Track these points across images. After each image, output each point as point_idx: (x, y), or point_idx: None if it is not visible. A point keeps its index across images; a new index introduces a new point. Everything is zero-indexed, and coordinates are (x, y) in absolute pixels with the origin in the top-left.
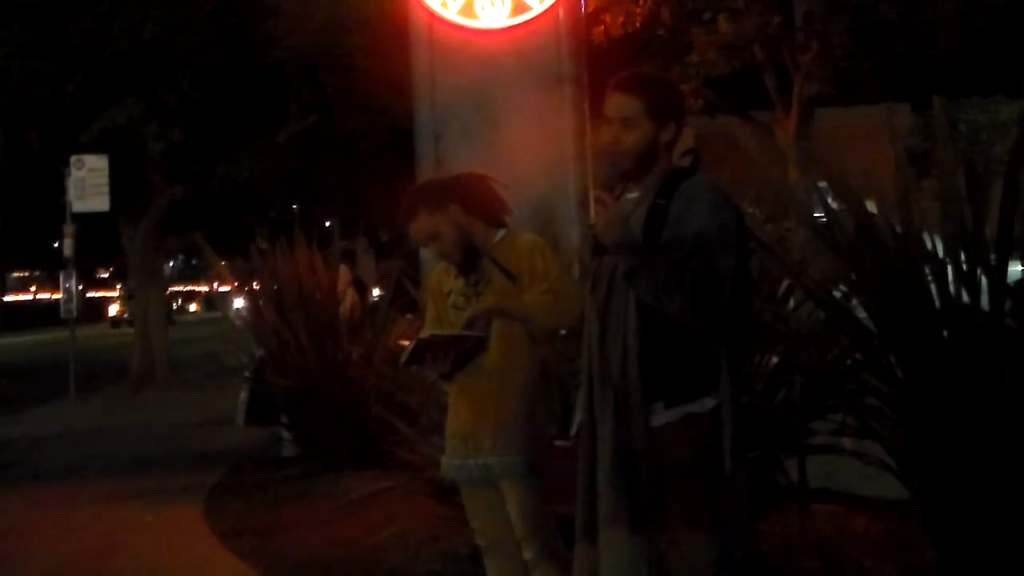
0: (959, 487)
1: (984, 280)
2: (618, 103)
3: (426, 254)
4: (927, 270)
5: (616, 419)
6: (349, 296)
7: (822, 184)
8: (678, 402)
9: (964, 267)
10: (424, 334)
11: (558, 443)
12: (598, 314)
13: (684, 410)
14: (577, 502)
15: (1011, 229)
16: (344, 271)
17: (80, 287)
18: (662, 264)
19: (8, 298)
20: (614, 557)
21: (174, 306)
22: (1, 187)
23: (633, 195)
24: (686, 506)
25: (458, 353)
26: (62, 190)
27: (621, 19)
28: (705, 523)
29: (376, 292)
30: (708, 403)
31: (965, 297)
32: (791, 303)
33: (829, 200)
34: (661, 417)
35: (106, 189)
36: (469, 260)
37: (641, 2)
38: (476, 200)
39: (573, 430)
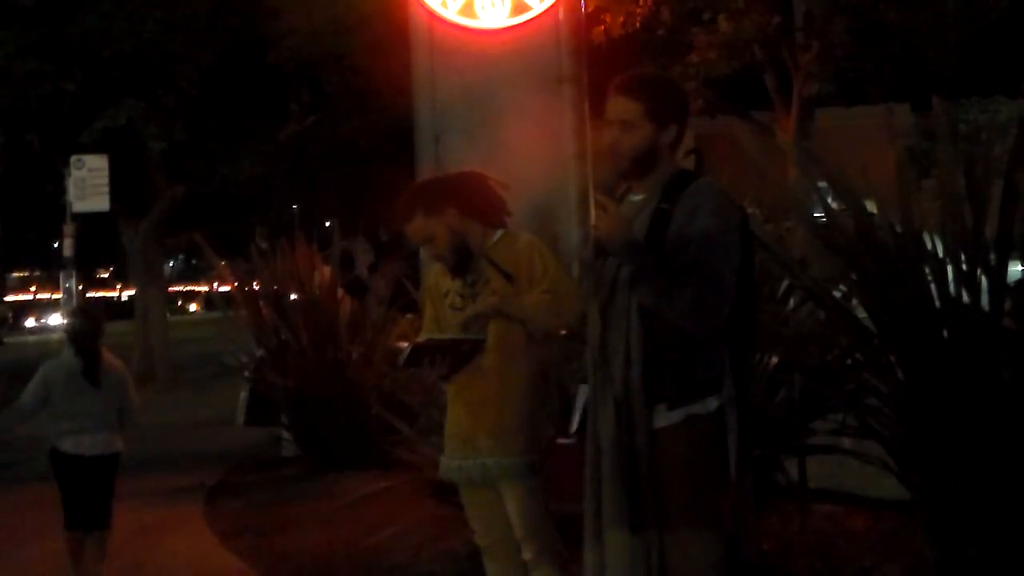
0: (959, 487)
1: (984, 280)
2: (617, 105)
3: (425, 254)
4: (927, 270)
5: (617, 421)
6: (346, 302)
7: (822, 184)
8: (681, 403)
9: (964, 267)
10: (421, 338)
11: (561, 441)
12: (600, 316)
13: (687, 411)
14: (585, 504)
15: (1011, 229)
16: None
17: (80, 287)
18: (663, 270)
19: (8, 298)
20: (618, 558)
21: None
22: (1, 187)
23: (637, 197)
24: (690, 507)
25: (455, 356)
26: (62, 190)
27: (621, 19)
28: (709, 523)
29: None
30: (712, 404)
31: (965, 297)
32: (791, 303)
33: (829, 200)
34: (664, 419)
35: (106, 189)
36: (462, 263)
37: (641, 2)
38: (474, 202)
39: (574, 427)
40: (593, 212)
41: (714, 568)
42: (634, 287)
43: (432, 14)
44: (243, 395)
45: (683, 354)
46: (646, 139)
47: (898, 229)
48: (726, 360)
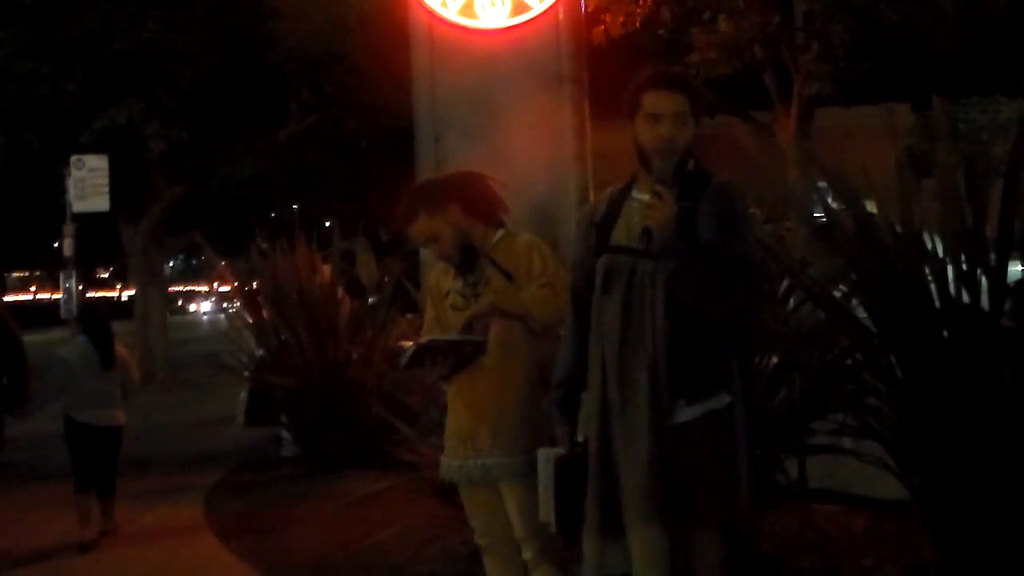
0: (959, 487)
1: (984, 280)
2: (672, 99)
3: (425, 254)
4: (927, 270)
5: (650, 418)
6: (345, 301)
7: (822, 184)
8: (700, 398)
9: (964, 267)
10: (423, 339)
11: (541, 451)
12: (621, 314)
13: (705, 406)
14: (588, 501)
15: (1011, 229)
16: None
17: (80, 287)
18: (712, 269)
19: (8, 298)
20: (651, 555)
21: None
22: (1, 187)
23: (644, 196)
24: (705, 503)
25: (457, 356)
26: (62, 190)
27: (621, 19)
28: (721, 520)
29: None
30: (725, 399)
31: (965, 297)
32: (791, 303)
33: (829, 200)
34: (684, 414)
35: (106, 189)
36: (468, 261)
37: (641, 2)
38: (475, 201)
39: (580, 436)
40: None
41: (725, 564)
42: (677, 283)
43: (432, 14)
44: (243, 395)
45: (702, 349)
46: (692, 134)
47: (898, 229)
48: (734, 356)
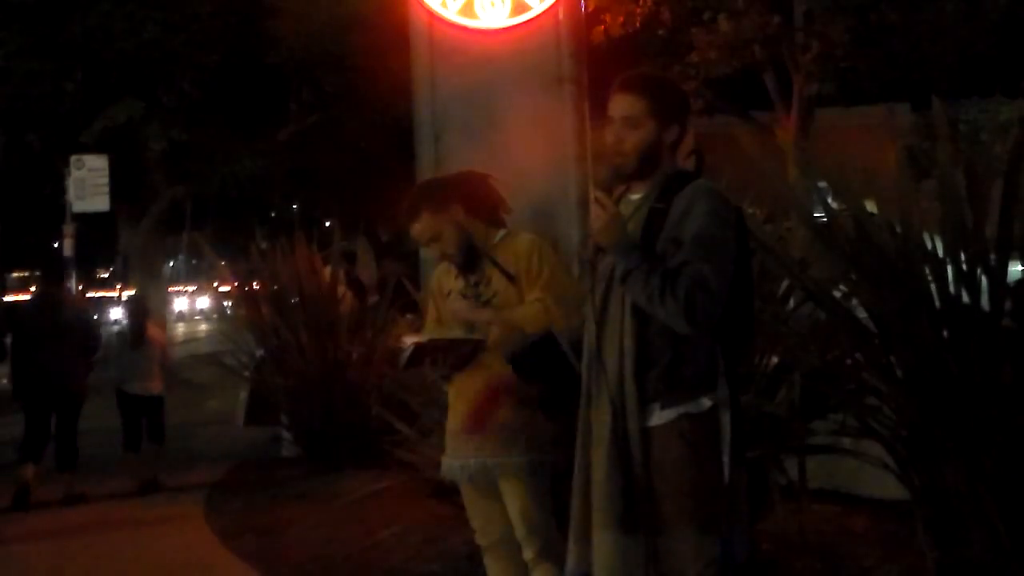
0: (959, 487)
1: (984, 280)
2: (622, 102)
3: (426, 254)
4: (927, 270)
5: (612, 420)
6: (347, 299)
7: (822, 184)
8: (674, 402)
9: (964, 267)
10: (423, 338)
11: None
12: (596, 314)
13: (680, 410)
14: (572, 502)
15: (1011, 229)
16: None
17: (80, 287)
18: (656, 269)
19: (8, 298)
20: (608, 558)
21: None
22: (1, 187)
23: (635, 196)
24: (684, 506)
25: (457, 356)
26: (62, 190)
27: (621, 19)
28: (703, 523)
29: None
30: (705, 403)
31: (965, 297)
32: (791, 303)
33: (829, 200)
34: (657, 417)
35: (106, 189)
36: (470, 260)
37: (641, 2)
38: (478, 200)
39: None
40: (591, 210)
41: (709, 568)
42: (626, 285)
43: (432, 14)
44: (243, 395)
45: (676, 353)
46: (650, 136)
47: (898, 229)
48: (719, 359)
